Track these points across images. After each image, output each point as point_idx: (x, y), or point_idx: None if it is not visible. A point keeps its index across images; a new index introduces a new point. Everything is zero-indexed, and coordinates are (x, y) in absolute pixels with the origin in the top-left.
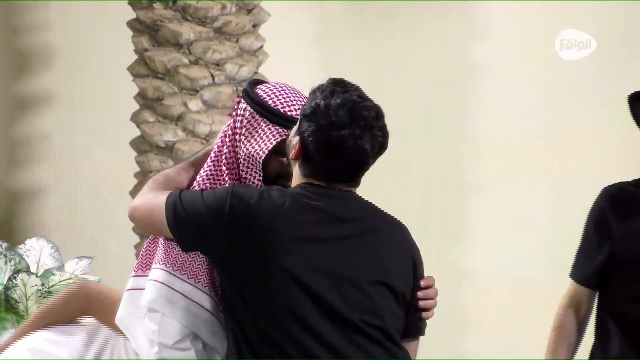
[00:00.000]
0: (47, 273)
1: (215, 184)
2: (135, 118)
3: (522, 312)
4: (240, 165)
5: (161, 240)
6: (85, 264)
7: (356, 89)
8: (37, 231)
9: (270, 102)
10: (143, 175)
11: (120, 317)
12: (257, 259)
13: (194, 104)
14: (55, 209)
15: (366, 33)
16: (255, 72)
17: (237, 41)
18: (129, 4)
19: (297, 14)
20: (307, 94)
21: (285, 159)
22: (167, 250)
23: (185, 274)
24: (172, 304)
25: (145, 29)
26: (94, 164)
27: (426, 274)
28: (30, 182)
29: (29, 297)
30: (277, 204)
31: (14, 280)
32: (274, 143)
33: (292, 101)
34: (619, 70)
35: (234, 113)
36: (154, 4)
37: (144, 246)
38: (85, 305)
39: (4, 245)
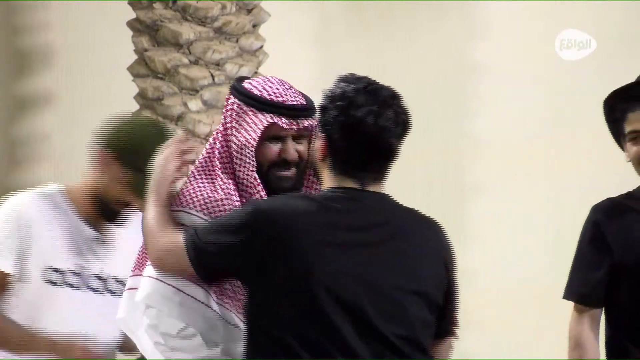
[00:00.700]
0: None
1: (207, 179)
2: None
3: (522, 312)
4: (234, 158)
5: None
6: None
7: (367, 77)
8: None
9: (256, 92)
10: None
11: (121, 317)
12: (286, 269)
13: (194, 104)
14: None
15: (366, 33)
16: (255, 72)
17: (237, 41)
18: (129, 4)
19: (297, 14)
20: (307, 93)
21: (278, 145)
22: None
23: None
24: (167, 299)
25: (145, 29)
26: None
27: None
28: (30, 182)
29: None
30: (303, 210)
31: None
32: (262, 128)
33: (278, 89)
34: (619, 70)
35: (224, 110)
36: (154, 4)
37: (141, 246)
38: None
39: None
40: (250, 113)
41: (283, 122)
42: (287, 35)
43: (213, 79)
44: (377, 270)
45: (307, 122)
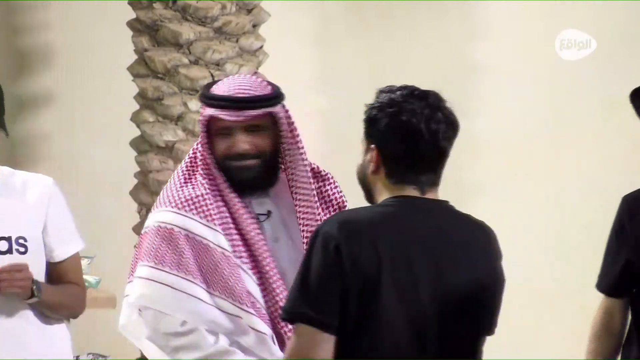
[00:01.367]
0: None
1: (188, 181)
2: (135, 118)
3: (522, 312)
4: (198, 160)
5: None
6: (85, 264)
7: (408, 85)
8: None
9: (209, 89)
10: (143, 175)
11: (122, 323)
12: (361, 301)
13: (194, 104)
14: None
15: (366, 33)
16: (255, 72)
17: (237, 41)
18: (129, 4)
19: (297, 14)
20: (307, 93)
21: (228, 138)
22: (147, 247)
23: (167, 265)
24: (162, 297)
25: (145, 29)
26: (94, 164)
27: None
28: None
29: None
30: (363, 229)
31: None
32: (205, 122)
33: (229, 84)
34: (619, 70)
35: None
36: (154, 4)
37: (134, 253)
38: None
39: None
40: (203, 111)
41: (224, 114)
42: (287, 35)
43: (213, 79)
44: (438, 284)
45: (256, 112)
